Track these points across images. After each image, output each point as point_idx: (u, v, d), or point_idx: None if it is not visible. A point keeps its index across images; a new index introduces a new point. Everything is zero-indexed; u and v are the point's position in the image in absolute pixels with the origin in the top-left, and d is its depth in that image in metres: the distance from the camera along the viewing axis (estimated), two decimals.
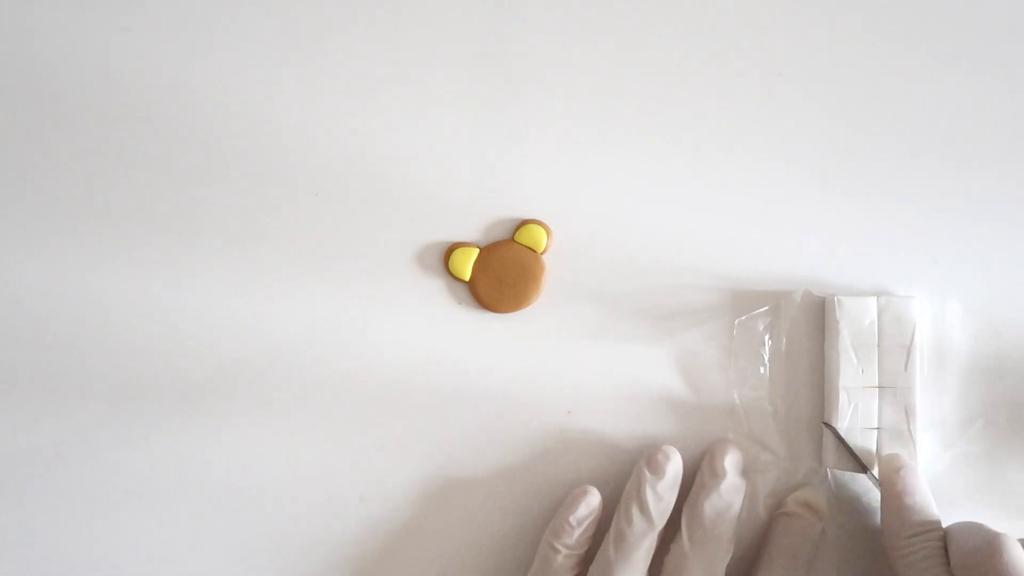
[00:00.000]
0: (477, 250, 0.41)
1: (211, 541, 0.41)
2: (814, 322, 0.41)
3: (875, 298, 0.40)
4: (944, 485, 0.40)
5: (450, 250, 0.41)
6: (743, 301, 0.42)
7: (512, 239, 0.42)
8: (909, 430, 0.39)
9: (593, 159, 0.42)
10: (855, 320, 0.40)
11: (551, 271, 0.42)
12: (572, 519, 0.38)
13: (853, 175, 0.42)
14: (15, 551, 0.41)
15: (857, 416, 0.39)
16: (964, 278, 0.42)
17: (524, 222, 0.42)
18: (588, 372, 0.42)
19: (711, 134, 0.42)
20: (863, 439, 0.39)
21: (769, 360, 0.41)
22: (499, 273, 0.41)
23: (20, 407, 0.41)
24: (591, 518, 0.38)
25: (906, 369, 0.39)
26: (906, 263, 0.42)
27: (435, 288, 0.42)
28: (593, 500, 0.38)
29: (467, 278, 0.41)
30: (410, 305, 0.42)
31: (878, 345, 0.40)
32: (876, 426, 0.39)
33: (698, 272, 0.42)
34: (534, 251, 0.41)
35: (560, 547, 0.38)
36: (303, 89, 0.42)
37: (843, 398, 0.39)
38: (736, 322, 0.42)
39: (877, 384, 0.39)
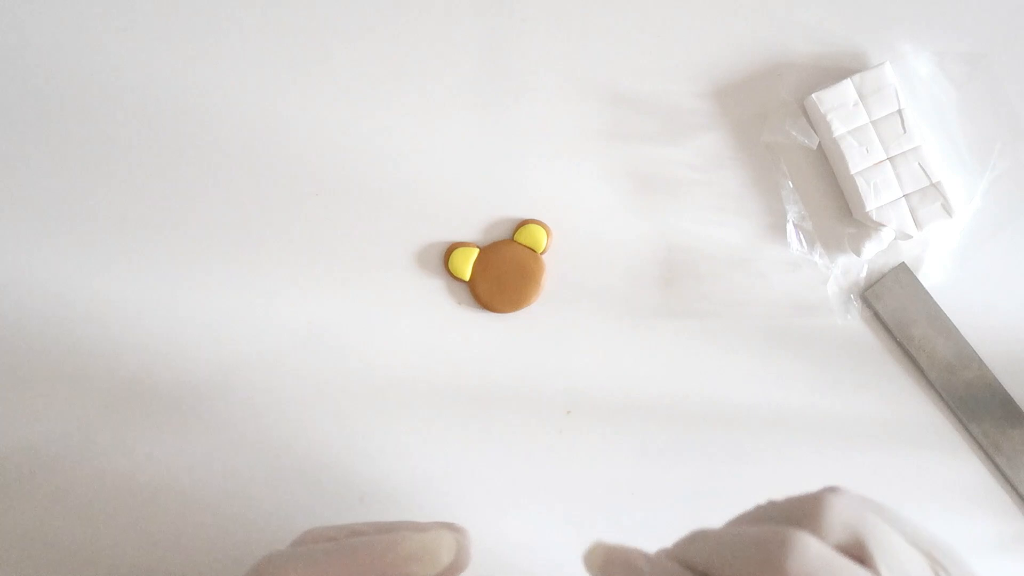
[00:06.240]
0: (477, 250, 0.41)
1: (210, 539, 0.41)
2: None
3: (849, 80, 0.40)
4: (988, 215, 0.41)
5: (450, 250, 0.41)
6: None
7: (512, 239, 0.41)
8: (933, 184, 0.39)
9: (593, 159, 0.42)
10: (839, 107, 0.40)
11: (551, 271, 0.42)
12: None
13: None
14: (13, 550, 0.41)
15: (880, 193, 0.39)
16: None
17: (524, 222, 0.41)
18: (588, 372, 0.42)
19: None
20: (896, 211, 0.39)
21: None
22: (499, 273, 0.41)
23: (20, 406, 0.41)
24: None
25: (905, 131, 0.40)
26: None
27: (435, 288, 0.42)
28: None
29: (467, 278, 0.41)
30: (410, 305, 0.42)
31: (871, 122, 0.40)
32: (901, 194, 0.40)
33: (698, 269, 0.42)
34: (534, 251, 0.41)
35: None
36: (303, 90, 0.42)
37: (860, 183, 0.40)
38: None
39: (886, 156, 0.40)
